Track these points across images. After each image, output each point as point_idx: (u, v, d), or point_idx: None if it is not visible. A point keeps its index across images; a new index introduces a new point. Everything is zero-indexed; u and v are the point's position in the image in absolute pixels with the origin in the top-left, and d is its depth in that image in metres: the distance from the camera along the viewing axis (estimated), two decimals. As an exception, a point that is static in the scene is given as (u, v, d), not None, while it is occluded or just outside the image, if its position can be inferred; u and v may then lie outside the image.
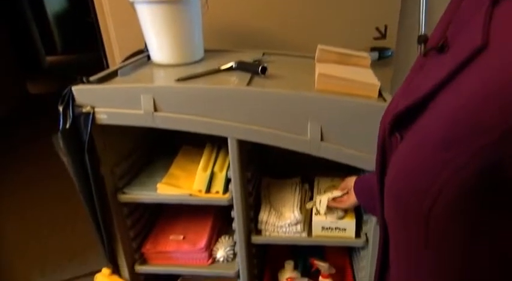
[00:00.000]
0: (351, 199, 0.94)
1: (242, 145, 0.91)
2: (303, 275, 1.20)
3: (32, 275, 1.85)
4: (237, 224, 1.01)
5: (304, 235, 1.03)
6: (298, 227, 1.03)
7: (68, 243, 2.05)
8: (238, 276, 1.12)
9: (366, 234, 1.01)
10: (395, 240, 0.46)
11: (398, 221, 0.42)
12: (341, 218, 1.01)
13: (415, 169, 0.37)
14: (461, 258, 0.37)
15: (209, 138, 1.15)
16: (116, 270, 1.14)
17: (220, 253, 1.15)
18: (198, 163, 1.04)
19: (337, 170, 1.15)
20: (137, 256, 1.15)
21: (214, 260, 1.16)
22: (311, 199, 1.12)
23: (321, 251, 1.31)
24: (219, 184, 1.01)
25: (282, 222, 1.03)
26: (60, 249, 2.01)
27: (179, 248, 1.14)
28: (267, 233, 1.05)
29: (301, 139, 0.86)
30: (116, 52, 1.42)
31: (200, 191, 1.02)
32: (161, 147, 1.30)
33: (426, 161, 0.36)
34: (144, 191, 1.04)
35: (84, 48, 5.26)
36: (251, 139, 0.88)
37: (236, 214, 0.99)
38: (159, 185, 1.03)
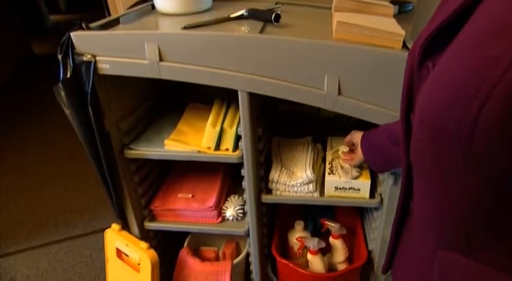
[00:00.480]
0: (358, 156, 0.90)
1: (253, 98, 0.85)
2: (313, 235, 1.18)
3: (45, 229, 1.88)
4: (247, 183, 0.98)
5: (316, 194, 1.00)
6: (311, 186, 1.00)
7: (81, 200, 2.07)
8: (248, 235, 1.11)
9: (380, 195, 0.98)
10: (425, 182, 0.42)
11: (432, 155, 0.38)
12: (355, 178, 0.97)
13: (456, 77, 0.32)
14: (502, 183, 0.32)
15: (218, 95, 1.10)
16: (125, 226, 1.13)
17: (230, 212, 1.13)
18: (207, 120, 1.00)
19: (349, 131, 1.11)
20: (146, 213, 1.14)
21: (223, 219, 1.14)
22: (324, 159, 1.08)
23: (331, 211, 1.29)
24: (228, 141, 0.97)
25: (294, 181, 0.99)
26: (73, 205, 2.04)
27: (188, 206, 1.13)
28: (278, 193, 1.02)
29: (317, 93, 0.80)
30: (120, 10, 1.34)
31: (209, 148, 0.98)
32: (168, 104, 1.25)
33: (471, 62, 0.31)
34: (151, 148, 1.00)
35: (88, 7, 5.10)
36: (262, 92, 0.82)
37: (246, 172, 0.96)
38: (166, 142, 1.00)
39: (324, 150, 1.11)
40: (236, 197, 1.17)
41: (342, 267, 1.20)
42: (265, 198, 1.01)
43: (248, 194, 1.00)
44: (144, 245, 1.08)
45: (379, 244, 1.01)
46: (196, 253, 1.27)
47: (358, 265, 1.06)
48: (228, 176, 1.25)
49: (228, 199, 1.17)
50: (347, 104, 0.81)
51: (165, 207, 1.13)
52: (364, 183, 0.96)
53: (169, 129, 1.07)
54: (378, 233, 1.01)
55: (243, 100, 0.84)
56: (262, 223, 1.10)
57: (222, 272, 1.15)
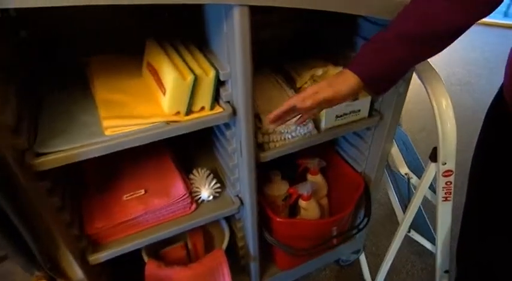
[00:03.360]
0: (344, 86, 0.58)
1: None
2: (292, 183, 1.02)
3: None
4: (245, 143, 0.70)
5: (315, 132, 0.82)
6: (310, 125, 0.80)
7: None
8: (239, 210, 0.86)
9: (378, 110, 0.87)
10: None
11: None
12: (356, 98, 0.82)
13: None
14: None
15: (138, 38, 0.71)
16: (56, 275, 0.70)
17: (205, 191, 0.83)
18: (138, 77, 0.64)
19: (308, 56, 0.93)
20: (84, 243, 0.73)
21: (197, 205, 0.84)
22: (299, 89, 0.88)
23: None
24: (205, 96, 0.64)
25: (292, 125, 0.77)
26: None
27: (147, 207, 0.77)
28: (273, 145, 0.79)
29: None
30: None
31: (178, 113, 0.64)
32: (47, 73, 0.76)
33: None
34: (79, 141, 0.58)
35: None
36: (276, 3, 0.54)
37: (244, 129, 0.68)
38: (105, 123, 0.59)
39: (291, 80, 0.90)
40: (202, 171, 0.87)
41: (324, 202, 1.11)
42: (264, 156, 0.77)
43: (247, 158, 0.73)
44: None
45: (377, 159, 0.94)
46: (162, 259, 0.93)
47: (360, 195, 0.97)
48: (172, 151, 0.91)
49: (191, 177, 0.86)
50: None
51: (112, 223, 0.74)
52: (364, 100, 0.82)
53: (84, 107, 0.65)
54: (375, 150, 0.92)
55: (242, 22, 0.53)
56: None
57: (216, 266, 0.89)
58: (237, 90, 0.63)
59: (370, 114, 0.86)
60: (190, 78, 0.60)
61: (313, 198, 0.99)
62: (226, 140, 0.76)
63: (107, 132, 0.59)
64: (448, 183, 0.80)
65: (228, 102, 0.67)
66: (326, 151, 1.10)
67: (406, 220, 0.93)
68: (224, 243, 0.94)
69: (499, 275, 0.77)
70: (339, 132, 0.84)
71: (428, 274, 1.30)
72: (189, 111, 0.64)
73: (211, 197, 0.84)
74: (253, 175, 0.77)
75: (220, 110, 0.66)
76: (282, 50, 1.01)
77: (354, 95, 0.60)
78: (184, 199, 0.79)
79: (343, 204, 1.01)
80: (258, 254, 0.98)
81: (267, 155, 0.77)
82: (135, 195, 0.79)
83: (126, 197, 0.79)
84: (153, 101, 0.66)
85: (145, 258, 0.89)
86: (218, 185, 0.85)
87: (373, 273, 1.24)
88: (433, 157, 0.79)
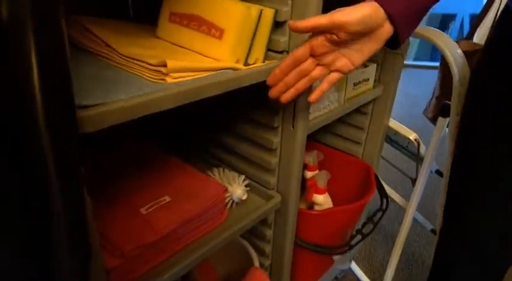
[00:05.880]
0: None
1: None
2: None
3: None
4: (301, 106, 0.59)
5: (336, 104, 0.76)
6: (336, 94, 0.74)
7: None
8: (280, 207, 0.70)
9: (378, 80, 0.87)
10: None
11: None
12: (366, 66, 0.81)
13: None
14: None
15: None
16: None
17: (237, 189, 0.66)
18: (157, 39, 0.49)
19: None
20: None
21: (228, 212, 0.65)
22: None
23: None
24: (261, 42, 0.52)
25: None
26: None
27: (182, 215, 0.55)
28: (311, 118, 0.69)
29: None
30: None
31: (238, 61, 0.50)
32: None
33: None
34: (136, 92, 0.38)
35: None
36: None
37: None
38: (169, 64, 0.41)
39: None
40: (219, 170, 0.70)
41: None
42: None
43: (301, 127, 0.61)
44: None
45: (380, 133, 0.92)
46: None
47: (374, 175, 0.92)
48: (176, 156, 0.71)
49: (210, 175, 0.68)
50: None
51: (142, 244, 0.50)
52: (371, 67, 0.82)
53: (106, 67, 0.45)
54: (377, 124, 0.91)
55: None
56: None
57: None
58: (296, 37, 0.54)
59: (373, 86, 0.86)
60: (255, 11, 0.49)
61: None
62: (270, 107, 0.62)
63: (169, 80, 0.41)
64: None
65: (281, 53, 0.56)
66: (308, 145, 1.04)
67: (418, 189, 0.93)
68: (255, 261, 0.75)
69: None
70: (355, 103, 0.80)
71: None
72: (246, 63, 0.51)
73: (245, 196, 0.67)
74: (303, 151, 0.65)
75: (275, 62, 0.55)
76: None
77: (367, 23, 0.44)
78: (219, 198, 0.60)
79: (352, 193, 0.95)
80: (290, 270, 0.81)
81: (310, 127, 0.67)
82: (156, 205, 0.56)
83: (146, 209, 0.55)
84: (191, 54, 0.50)
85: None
86: (247, 181, 0.69)
87: (373, 277, 1.19)
88: (445, 112, 0.82)
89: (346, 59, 0.47)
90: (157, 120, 0.84)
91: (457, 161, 0.68)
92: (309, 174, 0.96)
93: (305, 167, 0.96)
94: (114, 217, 0.53)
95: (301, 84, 0.48)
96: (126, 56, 0.45)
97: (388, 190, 0.99)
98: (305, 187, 0.89)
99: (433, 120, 0.99)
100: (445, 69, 1.63)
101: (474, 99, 0.62)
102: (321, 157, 0.96)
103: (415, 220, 1.10)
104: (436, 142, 0.87)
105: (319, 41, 0.45)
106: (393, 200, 1.07)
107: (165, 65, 0.41)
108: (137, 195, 0.58)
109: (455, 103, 0.79)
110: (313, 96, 0.50)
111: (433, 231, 1.15)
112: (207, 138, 0.79)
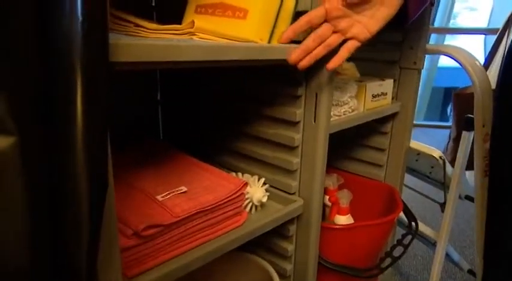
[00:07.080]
0: None
1: None
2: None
3: None
4: (325, 99, 0.58)
5: (356, 111, 0.75)
6: (355, 101, 0.74)
7: None
8: (303, 212, 0.65)
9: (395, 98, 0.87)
10: None
11: None
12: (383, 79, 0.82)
13: None
14: None
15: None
16: None
17: (258, 192, 0.62)
18: None
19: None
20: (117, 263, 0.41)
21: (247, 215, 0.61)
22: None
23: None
24: (285, 20, 0.54)
25: (345, 95, 0.70)
26: None
27: (200, 202, 0.51)
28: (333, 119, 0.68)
29: None
30: None
31: (261, 39, 0.51)
32: None
33: None
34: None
35: None
36: None
37: (326, 76, 0.57)
38: (197, 21, 0.42)
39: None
40: (239, 173, 0.67)
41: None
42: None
43: (324, 122, 0.60)
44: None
45: (402, 152, 0.89)
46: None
47: (399, 196, 0.87)
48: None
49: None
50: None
51: (160, 224, 0.46)
52: (388, 82, 0.82)
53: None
54: (397, 143, 0.89)
55: None
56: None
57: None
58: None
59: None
60: (279, -7, 0.51)
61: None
62: (292, 98, 0.62)
63: (196, 38, 0.42)
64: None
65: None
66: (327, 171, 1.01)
67: (448, 213, 0.86)
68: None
69: None
70: (374, 112, 0.79)
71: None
72: (269, 42, 0.52)
73: (265, 198, 0.63)
74: (325, 151, 0.62)
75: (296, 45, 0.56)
76: None
77: None
78: (239, 192, 0.57)
79: (376, 216, 0.89)
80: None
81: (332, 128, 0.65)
82: (173, 193, 0.53)
83: (162, 197, 0.52)
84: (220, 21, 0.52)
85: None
86: (267, 184, 0.65)
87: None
88: (468, 125, 0.81)
89: (361, 26, 0.48)
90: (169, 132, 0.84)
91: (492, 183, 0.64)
92: (326, 199, 0.92)
93: (325, 191, 0.92)
94: (131, 202, 0.50)
95: (318, 50, 0.49)
96: (155, 29, 0.47)
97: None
98: (324, 211, 0.84)
99: (453, 162, 0.95)
100: (459, 101, 1.63)
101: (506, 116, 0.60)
102: (341, 181, 0.92)
103: (448, 257, 1.01)
104: (463, 158, 0.83)
105: (334, 3, 0.46)
106: (421, 234, 0.99)
107: (192, 26, 0.42)
108: (154, 185, 0.55)
109: (479, 115, 0.77)
110: (331, 63, 0.50)
111: (471, 272, 1.04)
112: (219, 146, 0.77)
